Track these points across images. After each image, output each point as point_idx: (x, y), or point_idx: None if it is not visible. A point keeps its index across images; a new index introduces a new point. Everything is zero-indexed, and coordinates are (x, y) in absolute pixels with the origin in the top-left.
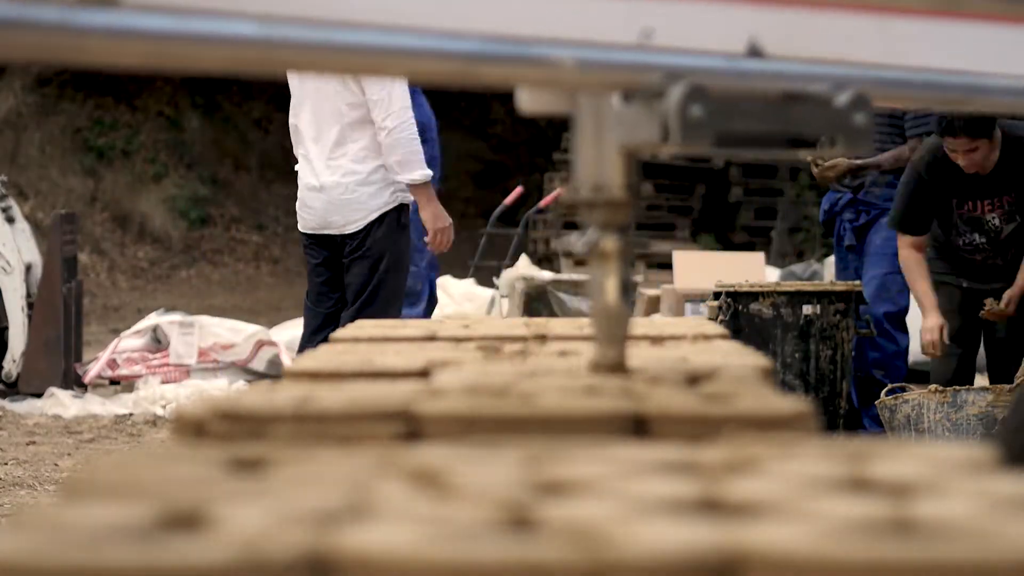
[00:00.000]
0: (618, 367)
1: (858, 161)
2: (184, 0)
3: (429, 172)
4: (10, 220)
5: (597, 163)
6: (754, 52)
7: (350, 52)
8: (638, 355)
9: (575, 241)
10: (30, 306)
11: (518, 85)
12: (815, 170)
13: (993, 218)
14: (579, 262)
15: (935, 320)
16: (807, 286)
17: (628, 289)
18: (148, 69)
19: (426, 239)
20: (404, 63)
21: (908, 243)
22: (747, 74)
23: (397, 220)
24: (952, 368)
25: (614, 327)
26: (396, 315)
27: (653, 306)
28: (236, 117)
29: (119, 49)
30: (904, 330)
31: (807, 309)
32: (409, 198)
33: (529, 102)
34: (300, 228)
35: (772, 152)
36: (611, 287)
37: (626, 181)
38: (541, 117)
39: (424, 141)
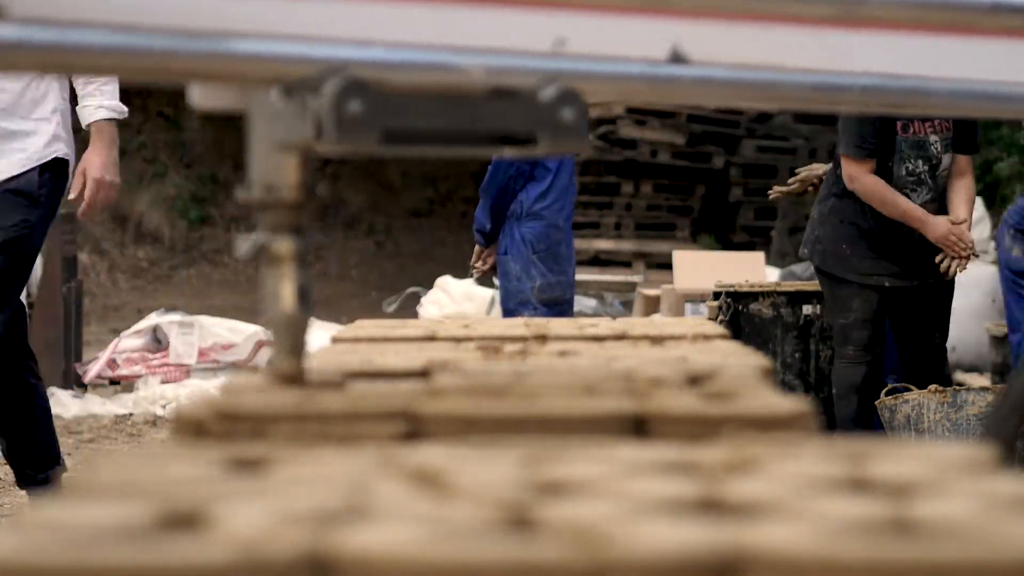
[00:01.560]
0: (296, 378)
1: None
2: (72, 12)
3: None
4: None
5: (268, 162)
6: (677, 59)
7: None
8: (638, 355)
9: (241, 243)
10: (30, 306)
11: (192, 81)
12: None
13: (935, 141)
14: (580, 262)
15: (945, 222)
16: (807, 286)
17: (306, 294)
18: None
19: None
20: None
21: (868, 168)
22: (446, 67)
23: None
24: (862, 375)
25: (291, 335)
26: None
27: (653, 306)
28: (236, 117)
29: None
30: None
31: (807, 309)
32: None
33: (202, 98)
34: None
35: (468, 150)
36: (287, 293)
37: (300, 181)
38: (217, 114)
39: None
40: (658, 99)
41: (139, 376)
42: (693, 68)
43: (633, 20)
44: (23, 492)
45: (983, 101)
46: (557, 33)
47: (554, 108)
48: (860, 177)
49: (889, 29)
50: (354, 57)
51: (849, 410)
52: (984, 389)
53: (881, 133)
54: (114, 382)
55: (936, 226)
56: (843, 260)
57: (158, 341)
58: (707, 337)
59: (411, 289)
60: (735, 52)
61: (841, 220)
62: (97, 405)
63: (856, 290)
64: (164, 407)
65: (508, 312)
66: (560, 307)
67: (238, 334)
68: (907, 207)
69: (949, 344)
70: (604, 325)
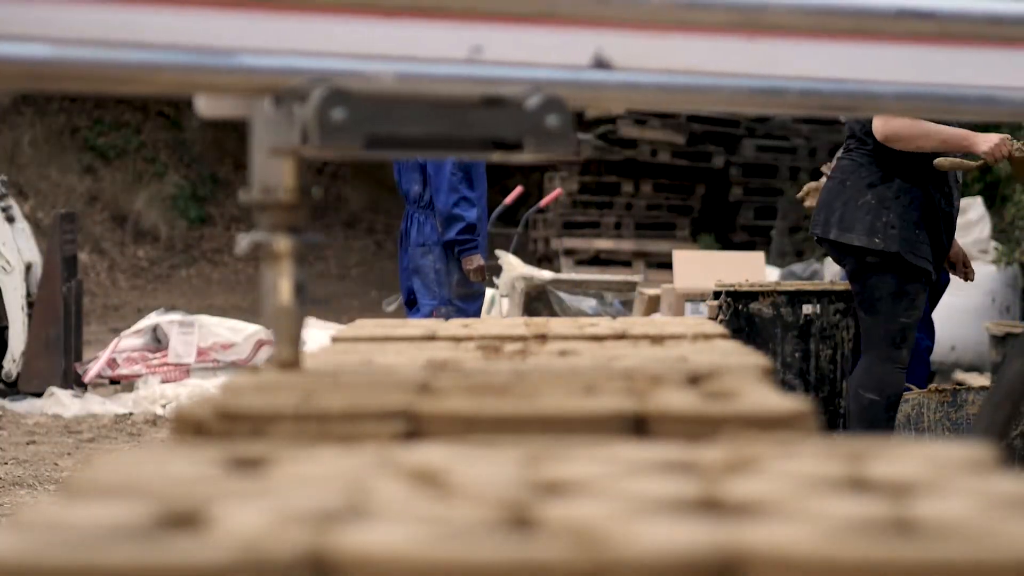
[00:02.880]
0: (292, 365)
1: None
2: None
3: None
4: (10, 220)
5: (266, 166)
6: (601, 64)
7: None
8: (638, 354)
9: (240, 241)
10: (30, 306)
11: (196, 92)
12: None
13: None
14: (580, 261)
15: (994, 135)
16: (807, 286)
17: (301, 289)
18: None
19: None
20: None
21: None
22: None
23: None
24: (903, 381)
25: (288, 326)
26: None
27: (653, 306)
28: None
29: None
30: (923, 332)
31: (807, 309)
32: None
33: (207, 107)
34: None
35: (453, 153)
36: (284, 287)
37: (297, 184)
38: (221, 121)
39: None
40: (583, 105)
41: (139, 376)
42: (618, 74)
43: (554, 31)
44: (23, 492)
45: (925, 103)
46: (473, 42)
47: (539, 115)
48: (891, 120)
49: (795, 36)
50: (342, 68)
51: (890, 420)
52: (984, 388)
53: None
54: (114, 381)
55: (987, 137)
56: (916, 246)
57: (158, 341)
58: (707, 336)
59: None
60: (659, 61)
61: (911, 201)
62: (97, 405)
63: (923, 283)
64: (164, 407)
65: (426, 312)
66: (478, 301)
67: (238, 334)
68: (949, 131)
69: (949, 344)
70: (604, 325)
